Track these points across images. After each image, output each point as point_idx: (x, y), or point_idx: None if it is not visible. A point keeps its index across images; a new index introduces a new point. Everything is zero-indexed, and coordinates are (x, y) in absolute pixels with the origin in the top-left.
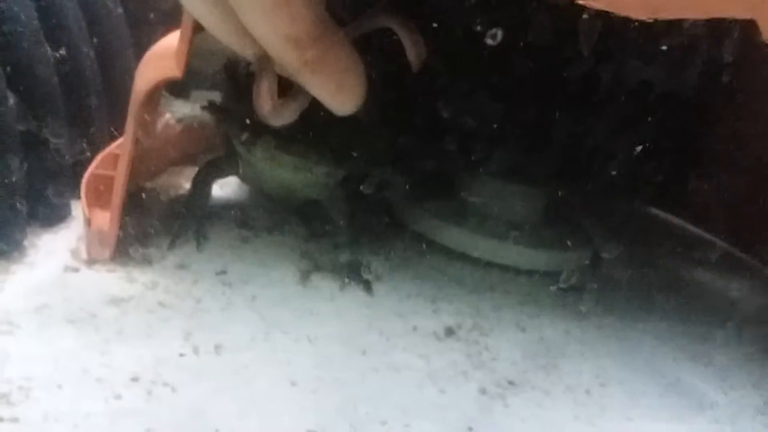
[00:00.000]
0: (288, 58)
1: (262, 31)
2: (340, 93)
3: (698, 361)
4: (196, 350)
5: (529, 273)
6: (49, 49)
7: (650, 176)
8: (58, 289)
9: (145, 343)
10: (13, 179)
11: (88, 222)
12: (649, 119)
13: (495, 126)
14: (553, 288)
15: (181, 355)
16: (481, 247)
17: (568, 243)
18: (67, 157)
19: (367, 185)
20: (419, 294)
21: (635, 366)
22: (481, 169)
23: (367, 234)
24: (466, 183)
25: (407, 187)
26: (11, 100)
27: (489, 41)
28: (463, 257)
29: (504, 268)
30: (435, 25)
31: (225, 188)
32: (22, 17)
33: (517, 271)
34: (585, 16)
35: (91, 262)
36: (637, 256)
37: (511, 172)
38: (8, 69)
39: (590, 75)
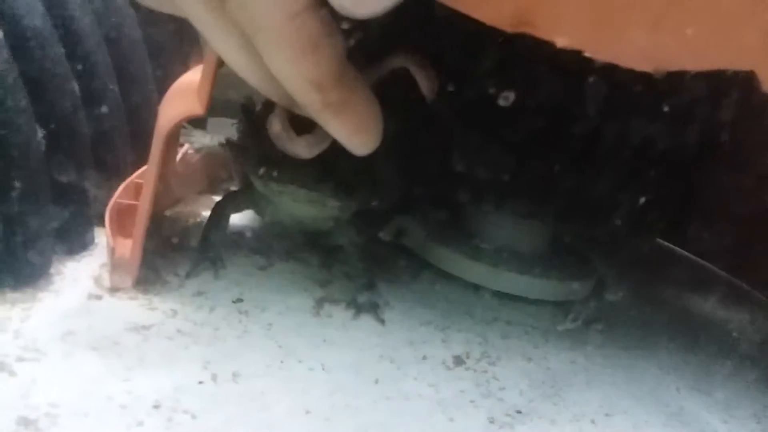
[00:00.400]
0: (310, 100)
1: (286, 74)
2: (358, 134)
3: (701, 391)
4: (214, 378)
5: (535, 303)
6: (76, 84)
7: (652, 220)
8: (83, 316)
9: (165, 371)
10: (42, 208)
11: (113, 251)
12: (652, 171)
13: (506, 175)
14: (560, 328)
15: (200, 382)
16: (489, 276)
17: (574, 274)
18: (90, 186)
19: (386, 232)
20: (429, 323)
21: (639, 396)
22: (494, 213)
23: (379, 264)
24: (479, 222)
25: (423, 231)
26: (40, 133)
27: (502, 102)
28: (472, 287)
29: (508, 297)
30: (455, 79)
31: (242, 217)
32: (50, 50)
33: (522, 300)
34: (591, 78)
35: (113, 290)
36: (642, 290)
37: (522, 215)
38: (36, 103)
39: (597, 130)
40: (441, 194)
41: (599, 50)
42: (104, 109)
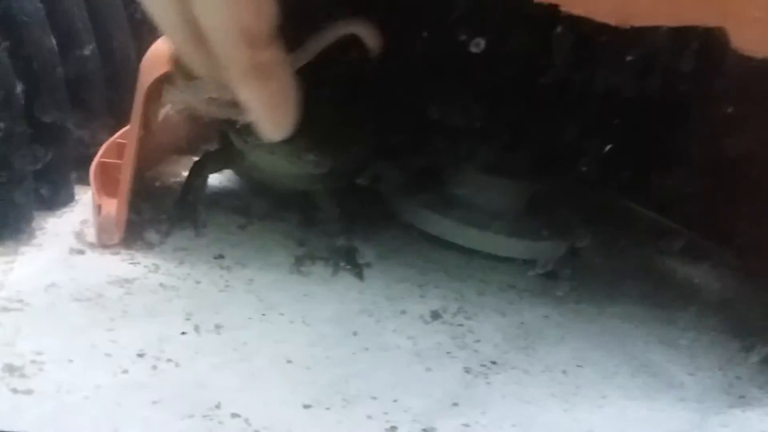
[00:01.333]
0: (238, 56)
1: (218, 21)
2: (276, 110)
3: (667, 344)
4: (197, 329)
5: (510, 261)
6: (53, 38)
7: (619, 170)
8: (65, 269)
9: (148, 322)
10: (22, 164)
11: (98, 209)
12: (618, 120)
13: (479, 125)
14: (531, 273)
15: (183, 333)
16: (465, 235)
17: (546, 233)
18: (70, 144)
19: (363, 177)
20: (407, 280)
21: (609, 348)
22: (466, 164)
23: (358, 223)
24: (453, 176)
25: (399, 180)
26: (18, 88)
27: (473, 49)
28: (448, 245)
29: (486, 256)
30: (425, 31)
31: (220, 178)
32: (28, 7)
33: (498, 259)
34: (559, 28)
35: (100, 246)
36: (610, 246)
37: (494, 167)
38: (15, 58)
39: (566, 80)
40: (417, 152)
41: (574, 4)
42: (79, 60)
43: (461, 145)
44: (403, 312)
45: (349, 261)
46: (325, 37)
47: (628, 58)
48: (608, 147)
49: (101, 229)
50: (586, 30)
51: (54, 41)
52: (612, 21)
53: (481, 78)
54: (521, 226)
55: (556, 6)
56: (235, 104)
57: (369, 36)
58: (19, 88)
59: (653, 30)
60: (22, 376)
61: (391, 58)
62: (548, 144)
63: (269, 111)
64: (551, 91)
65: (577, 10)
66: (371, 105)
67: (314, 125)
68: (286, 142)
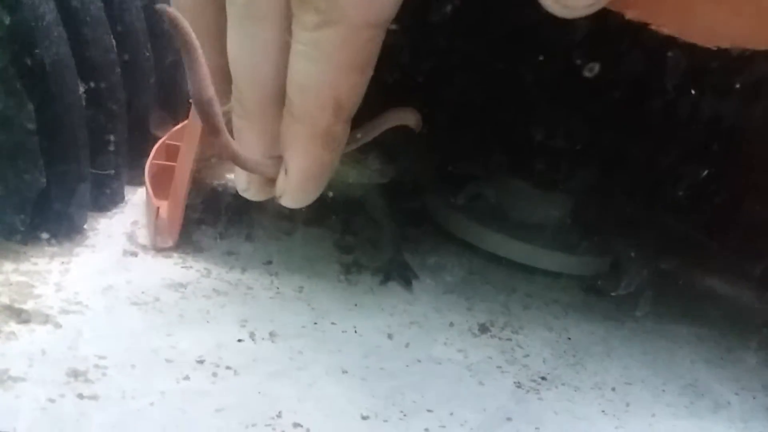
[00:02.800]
0: (320, 120)
1: (317, 83)
2: (312, 182)
3: (713, 364)
4: (252, 336)
5: (553, 275)
6: (114, 41)
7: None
8: (121, 272)
9: (205, 328)
10: (79, 165)
11: (156, 211)
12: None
13: (574, 146)
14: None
15: (240, 340)
16: (511, 248)
17: (594, 249)
18: (123, 144)
19: (461, 196)
20: (453, 291)
21: (655, 367)
22: (515, 177)
23: (405, 234)
24: (501, 189)
25: (448, 193)
26: (81, 89)
27: (586, 74)
28: (492, 258)
29: (530, 270)
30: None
31: None
32: (91, 7)
33: (543, 273)
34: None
35: (147, 247)
36: (658, 265)
37: (543, 180)
38: (77, 58)
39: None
40: (469, 166)
41: (669, 24)
42: (133, 62)
43: (514, 169)
44: (452, 324)
45: (400, 273)
46: (379, 125)
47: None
48: (702, 173)
49: (156, 231)
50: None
51: (113, 40)
52: (705, 42)
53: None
54: (567, 241)
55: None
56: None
57: (417, 124)
58: (81, 88)
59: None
60: (87, 380)
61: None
62: (643, 169)
63: (307, 181)
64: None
65: (671, 30)
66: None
67: (383, 135)
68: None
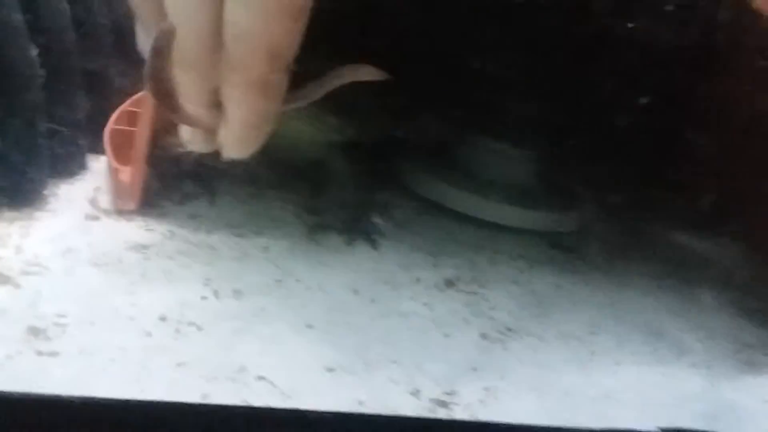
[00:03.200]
0: (255, 68)
1: (251, 30)
2: (253, 132)
3: (677, 314)
4: (216, 294)
5: (521, 232)
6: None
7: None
8: (82, 235)
9: (168, 287)
10: (37, 131)
11: (115, 173)
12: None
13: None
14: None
15: (203, 298)
16: (476, 206)
17: (562, 205)
18: (82, 111)
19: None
20: (420, 249)
21: (620, 317)
22: (479, 134)
23: (371, 193)
24: (465, 146)
25: (411, 147)
26: (34, 52)
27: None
28: (459, 216)
29: (497, 227)
30: None
31: None
32: None
33: (510, 230)
34: None
35: (109, 211)
36: (622, 219)
37: (507, 136)
38: (29, 21)
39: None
40: (432, 124)
41: None
42: (91, 28)
43: (477, 126)
44: (418, 280)
45: (366, 232)
46: (329, 82)
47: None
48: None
49: (117, 194)
50: None
51: (66, 4)
52: None
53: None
54: (533, 198)
55: None
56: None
57: (380, 76)
58: (34, 52)
59: None
60: (47, 338)
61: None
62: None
63: (248, 130)
64: (580, 45)
65: None
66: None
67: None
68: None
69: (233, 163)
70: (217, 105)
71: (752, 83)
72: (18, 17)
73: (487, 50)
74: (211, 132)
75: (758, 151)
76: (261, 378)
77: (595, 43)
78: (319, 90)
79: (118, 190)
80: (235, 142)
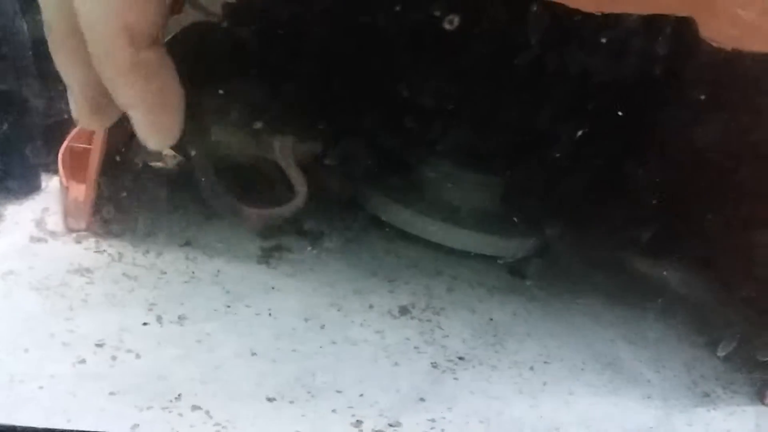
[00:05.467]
0: (119, 53)
1: (98, 14)
2: (159, 115)
3: (634, 343)
4: (159, 320)
5: (479, 258)
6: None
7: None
8: (25, 257)
9: (109, 312)
10: None
11: (66, 191)
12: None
13: (450, 108)
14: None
15: (145, 324)
16: (434, 230)
17: (518, 230)
18: (37, 130)
19: (332, 156)
20: (376, 274)
21: (576, 346)
22: (436, 155)
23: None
24: (422, 167)
25: (367, 164)
26: None
27: (446, 26)
28: (418, 239)
29: (456, 252)
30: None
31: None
32: None
33: (468, 256)
34: (534, 8)
35: (56, 233)
36: (579, 244)
37: (464, 159)
38: None
39: (540, 64)
40: (389, 147)
41: None
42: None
43: (432, 131)
44: (371, 306)
45: (312, 242)
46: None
47: (598, 44)
48: (579, 135)
49: (68, 213)
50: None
51: (22, 20)
52: (587, 8)
53: (455, 57)
54: (491, 222)
55: None
56: None
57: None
58: None
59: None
60: None
61: (360, 31)
62: (522, 133)
63: (152, 114)
64: (524, 75)
65: None
66: (340, 83)
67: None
68: (251, 120)
69: (191, 182)
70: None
71: (703, 111)
72: None
73: (435, 80)
74: (97, 109)
75: (715, 176)
76: (196, 407)
77: (543, 73)
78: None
79: (70, 208)
80: (149, 128)
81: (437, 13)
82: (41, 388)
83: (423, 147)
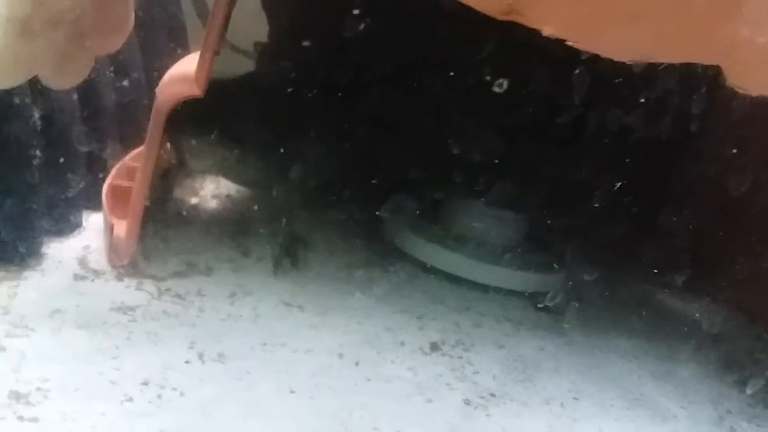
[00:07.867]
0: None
1: None
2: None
3: (661, 378)
4: (200, 357)
5: (506, 293)
6: None
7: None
8: (70, 295)
9: (152, 350)
10: (33, 191)
11: (111, 229)
12: (627, 159)
13: (492, 160)
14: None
15: (187, 362)
16: (464, 268)
17: (547, 266)
18: (81, 169)
19: (384, 209)
20: (405, 311)
21: (604, 382)
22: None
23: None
24: (453, 208)
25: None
26: (36, 115)
27: (496, 89)
28: (446, 277)
29: (483, 287)
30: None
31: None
32: None
33: (495, 291)
34: (578, 70)
35: (98, 271)
36: (610, 281)
37: (496, 199)
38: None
39: (578, 120)
40: (418, 184)
41: (582, 40)
42: (92, 88)
43: (469, 178)
44: (403, 343)
45: (290, 253)
46: None
47: (636, 102)
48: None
49: (112, 250)
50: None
51: None
52: (619, 57)
53: (500, 115)
54: (521, 259)
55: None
56: None
57: None
58: (36, 114)
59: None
60: (28, 403)
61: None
62: (558, 181)
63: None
64: (563, 132)
65: (586, 47)
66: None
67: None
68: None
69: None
70: None
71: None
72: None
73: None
74: None
75: (743, 212)
76: None
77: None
78: None
79: (113, 245)
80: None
81: (488, 78)
82: (93, 426)
83: (456, 189)
